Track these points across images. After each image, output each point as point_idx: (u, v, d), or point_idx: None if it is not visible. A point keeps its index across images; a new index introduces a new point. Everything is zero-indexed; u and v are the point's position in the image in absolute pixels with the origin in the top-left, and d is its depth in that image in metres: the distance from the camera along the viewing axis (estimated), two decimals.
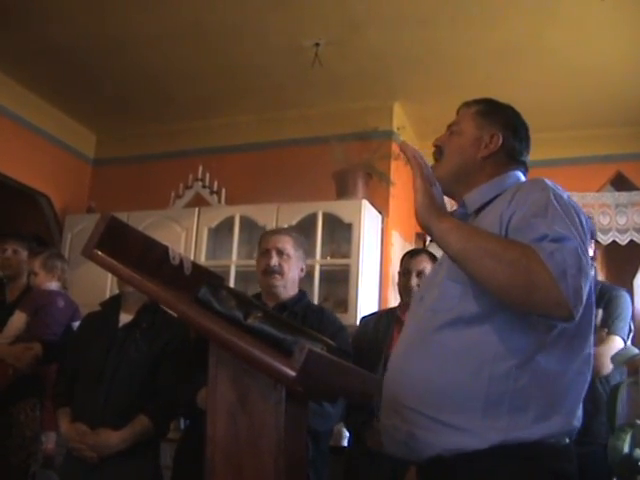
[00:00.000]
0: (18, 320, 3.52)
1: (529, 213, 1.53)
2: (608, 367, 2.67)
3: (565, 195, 1.60)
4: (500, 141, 1.80)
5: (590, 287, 1.54)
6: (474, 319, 1.58)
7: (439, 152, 1.85)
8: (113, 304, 3.20)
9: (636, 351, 2.67)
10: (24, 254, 3.91)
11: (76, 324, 3.71)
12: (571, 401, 1.61)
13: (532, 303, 1.43)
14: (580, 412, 1.64)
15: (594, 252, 2.94)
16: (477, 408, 1.53)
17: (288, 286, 2.93)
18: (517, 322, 1.54)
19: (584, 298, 1.43)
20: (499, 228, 1.57)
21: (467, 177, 1.79)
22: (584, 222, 1.56)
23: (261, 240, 3.03)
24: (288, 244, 2.93)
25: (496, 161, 1.80)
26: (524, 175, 1.84)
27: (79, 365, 3.07)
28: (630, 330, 2.82)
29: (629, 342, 2.82)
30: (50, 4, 4.13)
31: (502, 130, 1.81)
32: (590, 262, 1.49)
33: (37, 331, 3.52)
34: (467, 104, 1.92)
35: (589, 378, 1.65)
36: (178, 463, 3.02)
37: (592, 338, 1.65)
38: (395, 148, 4.99)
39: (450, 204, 1.88)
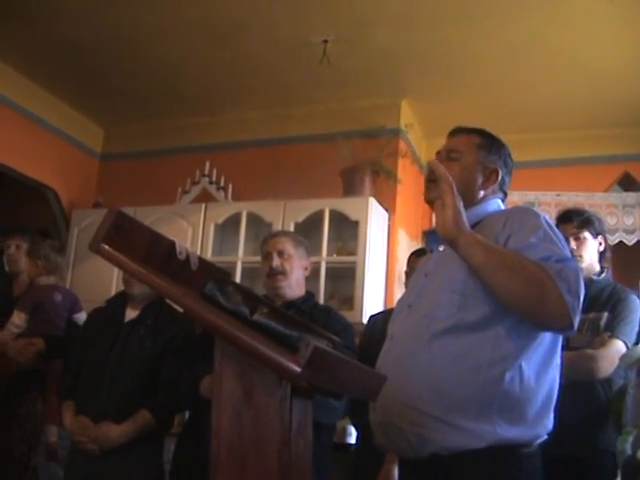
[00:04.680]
0: (17, 319, 3.55)
1: (528, 235, 1.72)
2: (605, 371, 2.64)
3: (551, 221, 1.84)
4: (499, 178, 1.97)
5: None
6: (471, 327, 1.72)
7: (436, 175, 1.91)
8: (119, 300, 3.22)
9: None
10: (26, 249, 3.94)
11: (78, 316, 3.74)
12: (550, 404, 1.77)
13: (541, 313, 1.62)
14: (552, 416, 1.79)
15: (604, 250, 2.94)
16: (472, 409, 1.67)
17: (293, 285, 2.98)
18: (511, 331, 1.70)
19: (580, 309, 1.63)
20: None
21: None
22: (566, 244, 1.79)
23: (262, 245, 3.11)
24: (287, 244, 3.01)
25: (488, 191, 1.97)
26: (502, 202, 2.02)
27: (84, 359, 3.09)
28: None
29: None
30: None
31: (500, 167, 1.99)
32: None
33: (40, 328, 3.56)
34: (465, 131, 2.04)
35: (558, 384, 1.81)
36: (178, 457, 3.03)
37: (560, 349, 1.83)
38: (402, 146, 4.99)
39: None
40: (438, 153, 2.02)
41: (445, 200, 1.66)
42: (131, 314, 3.12)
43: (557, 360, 1.80)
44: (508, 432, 1.66)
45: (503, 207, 2.02)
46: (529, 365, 1.70)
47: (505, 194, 2.03)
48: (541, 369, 1.73)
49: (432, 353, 1.74)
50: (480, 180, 1.95)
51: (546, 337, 1.74)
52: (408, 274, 3.38)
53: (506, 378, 1.67)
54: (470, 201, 1.90)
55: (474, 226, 1.83)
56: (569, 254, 1.71)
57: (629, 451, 2.51)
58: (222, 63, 4.79)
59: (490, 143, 2.00)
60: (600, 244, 2.91)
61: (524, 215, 1.81)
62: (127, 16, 4.28)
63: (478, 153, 1.96)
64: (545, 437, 1.76)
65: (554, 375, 1.78)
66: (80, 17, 4.32)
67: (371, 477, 3.03)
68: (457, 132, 2.05)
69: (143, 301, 3.12)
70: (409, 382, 1.75)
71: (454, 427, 1.67)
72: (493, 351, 1.69)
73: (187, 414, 3.78)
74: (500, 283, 1.64)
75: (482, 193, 1.95)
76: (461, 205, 1.67)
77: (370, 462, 3.03)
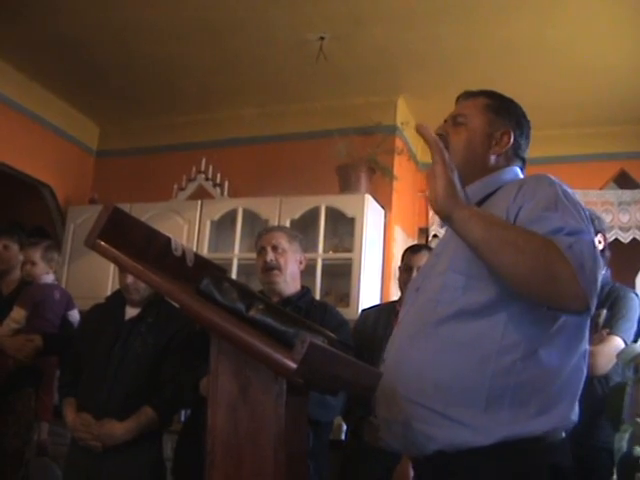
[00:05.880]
0: (17, 315, 3.56)
1: (540, 206, 1.52)
2: (604, 367, 2.63)
3: (570, 190, 1.60)
4: (512, 140, 1.78)
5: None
6: (479, 311, 1.55)
7: (443, 142, 1.67)
8: (119, 298, 3.21)
9: None
10: (15, 248, 3.95)
11: (71, 313, 3.76)
12: (570, 396, 1.59)
13: (551, 295, 1.42)
14: (577, 407, 1.62)
15: (603, 249, 2.93)
16: (480, 403, 1.51)
17: (289, 280, 2.98)
18: (523, 315, 1.53)
19: (598, 290, 1.43)
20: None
21: (471, 170, 1.72)
22: (588, 216, 1.56)
23: (257, 240, 3.10)
24: (281, 239, 3.00)
25: (502, 157, 1.78)
26: (521, 170, 1.83)
27: (84, 356, 3.10)
28: (639, 334, 2.78)
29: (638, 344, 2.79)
30: None
31: (512, 128, 1.80)
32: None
33: (38, 325, 3.57)
34: (472, 95, 1.88)
35: (585, 375, 1.64)
36: (179, 454, 3.03)
37: (588, 335, 1.64)
38: (399, 143, 4.99)
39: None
40: (445, 121, 1.84)
41: (435, 170, 1.48)
42: (131, 312, 3.13)
43: (584, 347, 1.61)
44: (522, 427, 1.50)
45: (522, 176, 1.81)
46: (548, 353, 1.52)
47: (523, 161, 1.83)
48: (563, 357, 1.55)
49: (435, 341, 1.58)
50: (490, 144, 1.77)
51: (569, 320, 1.53)
52: (402, 270, 3.39)
53: (518, 368, 1.50)
54: (482, 169, 1.73)
55: (488, 197, 1.69)
56: (585, 226, 1.49)
57: (625, 448, 2.51)
58: (218, 60, 4.78)
59: (499, 104, 1.83)
60: (599, 242, 2.90)
61: (537, 184, 1.60)
62: (123, 13, 4.26)
63: (486, 115, 1.80)
64: (563, 432, 1.60)
65: (579, 364, 1.60)
66: (76, 14, 4.30)
67: (358, 474, 3.03)
68: (464, 96, 1.89)
69: (142, 300, 3.12)
70: (410, 373, 1.59)
71: (459, 423, 1.51)
72: (503, 338, 1.52)
73: (184, 412, 3.80)
74: (502, 262, 1.44)
75: (493, 158, 1.76)
76: (455, 175, 1.49)
77: (359, 459, 3.04)
